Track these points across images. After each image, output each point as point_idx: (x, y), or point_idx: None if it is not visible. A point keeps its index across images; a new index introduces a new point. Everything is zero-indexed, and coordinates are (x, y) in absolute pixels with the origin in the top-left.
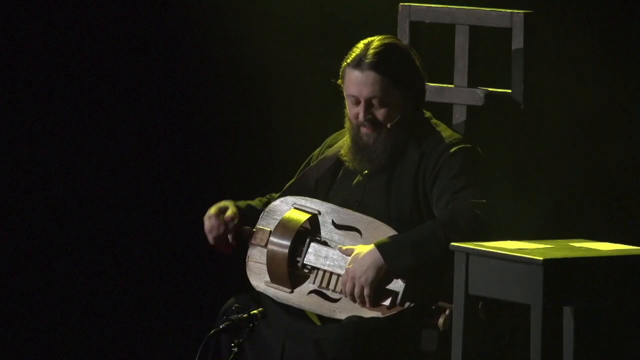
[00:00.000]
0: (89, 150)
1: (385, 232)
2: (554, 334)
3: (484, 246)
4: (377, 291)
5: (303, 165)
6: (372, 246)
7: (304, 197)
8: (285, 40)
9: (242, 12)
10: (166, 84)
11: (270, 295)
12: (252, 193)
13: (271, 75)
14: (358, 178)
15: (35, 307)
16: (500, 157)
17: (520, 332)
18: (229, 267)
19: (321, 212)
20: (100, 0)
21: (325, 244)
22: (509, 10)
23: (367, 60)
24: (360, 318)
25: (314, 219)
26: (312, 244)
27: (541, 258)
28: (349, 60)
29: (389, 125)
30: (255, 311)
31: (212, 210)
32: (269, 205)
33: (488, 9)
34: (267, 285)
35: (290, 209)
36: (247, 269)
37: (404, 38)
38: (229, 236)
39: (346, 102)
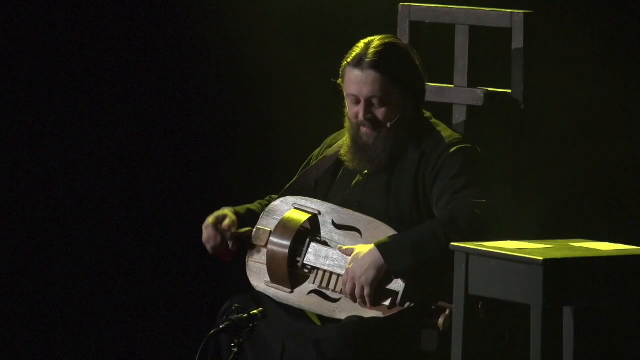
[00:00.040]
0: (89, 150)
1: (385, 232)
2: (554, 334)
3: (484, 246)
4: (377, 291)
5: (303, 165)
6: (372, 246)
7: (304, 197)
8: (285, 40)
9: (242, 12)
10: (166, 84)
11: (270, 295)
12: (252, 193)
13: (271, 75)
14: (358, 178)
15: (35, 307)
16: (500, 157)
17: (520, 332)
18: (229, 267)
19: (321, 212)
20: (100, 0)
21: (325, 244)
22: (509, 10)
23: (367, 60)
24: (360, 318)
25: (314, 219)
26: (312, 244)
27: (541, 258)
28: (349, 60)
29: (388, 125)
30: (255, 311)
31: (210, 219)
32: (269, 205)
33: (488, 9)
34: (267, 285)
35: (290, 209)
36: (247, 269)
37: (404, 38)
38: (229, 243)
39: (346, 102)
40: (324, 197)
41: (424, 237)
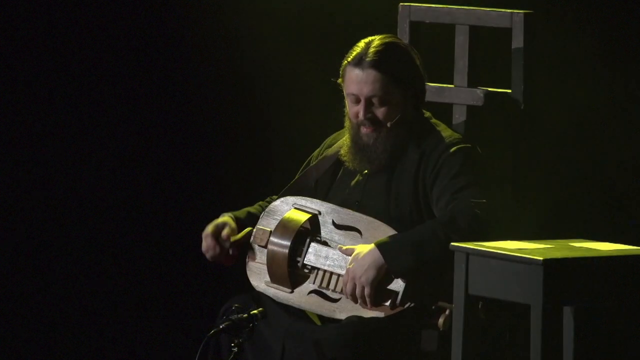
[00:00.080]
0: (89, 150)
1: (385, 232)
2: (554, 334)
3: (484, 246)
4: (377, 291)
5: (303, 165)
6: (372, 246)
7: (304, 197)
8: (285, 40)
9: (242, 12)
10: (166, 84)
11: (271, 295)
12: (252, 193)
13: (271, 75)
14: (358, 178)
15: (35, 307)
16: (500, 157)
17: (520, 332)
18: (229, 267)
19: (321, 212)
20: (100, 0)
21: (325, 244)
22: (509, 10)
23: (367, 59)
24: (360, 318)
25: (314, 219)
26: (312, 244)
27: (541, 258)
28: (349, 59)
29: (389, 125)
30: (255, 311)
31: (209, 228)
32: (269, 206)
33: (488, 9)
34: (267, 285)
35: (290, 209)
36: (247, 269)
37: (404, 38)
38: (229, 250)
39: (346, 101)
40: (324, 197)
41: (424, 237)
